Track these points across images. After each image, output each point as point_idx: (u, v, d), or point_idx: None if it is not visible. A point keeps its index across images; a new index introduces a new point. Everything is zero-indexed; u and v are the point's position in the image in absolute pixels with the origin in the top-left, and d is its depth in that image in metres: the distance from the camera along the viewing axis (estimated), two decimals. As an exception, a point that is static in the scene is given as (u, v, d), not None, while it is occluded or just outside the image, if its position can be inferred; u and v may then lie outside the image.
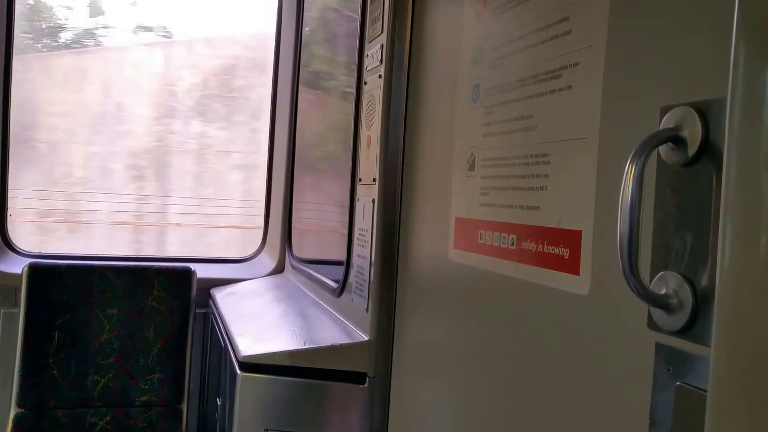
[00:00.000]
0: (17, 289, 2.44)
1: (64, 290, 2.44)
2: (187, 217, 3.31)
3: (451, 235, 1.32)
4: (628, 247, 0.71)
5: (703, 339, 0.69)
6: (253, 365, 1.66)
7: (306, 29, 2.78)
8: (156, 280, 2.52)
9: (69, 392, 2.40)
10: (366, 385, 1.62)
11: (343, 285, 1.86)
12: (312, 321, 1.96)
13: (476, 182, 1.23)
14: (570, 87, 0.96)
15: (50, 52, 2.61)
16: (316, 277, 2.23)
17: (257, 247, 3.00)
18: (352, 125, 1.84)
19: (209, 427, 2.39)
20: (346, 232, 1.84)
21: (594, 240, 0.89)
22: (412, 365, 1.53)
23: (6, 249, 2.64)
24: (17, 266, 2.50)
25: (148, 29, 3.25)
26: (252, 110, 3.33)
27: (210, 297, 2.61)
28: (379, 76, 1.64)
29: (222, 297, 2.50)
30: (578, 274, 0.92)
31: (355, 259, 1.78)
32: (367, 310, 1.64)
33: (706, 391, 0.56)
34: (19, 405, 2.35)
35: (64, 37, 3.12)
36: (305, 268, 2.47)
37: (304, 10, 2.80)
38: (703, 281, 0.69)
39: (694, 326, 0.70)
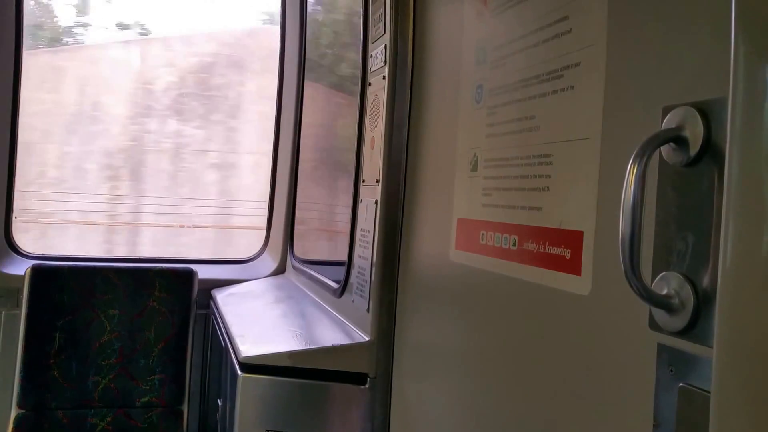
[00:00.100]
0: (19, 291, 2.44)
1: (66, 292, 2.44)
2: (161, 217, 3.30)
3: (453, 235, 1.32)
4: (630, 247, 0.71)
5: (704, 339, 0.69)
6: (253, 366, 1.65)
7: (331, 32, 2.75)
8: (157, 281, 2.52)
9: (70, 393, 2.40)
10: (367, 385, 1.61)
11: (344, 286, 1.85)
12: (313, 322, 1.96)
13: (479, 183, 1.23)
14: (572, 87, 0.96)
15: (27, 51, 2.59)
16: (317, 277, 2.23)
17: (258, 248, 2.99)
18: (356, 126, 1.84)
19: (210, 427, 2.39)
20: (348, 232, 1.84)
21: (595, 240, 0.89)
22: (413, 366, 1.53)
23: (9, 251, 2.64)
24: (20, 268, 2.51)
25: (126, 27, 3.24)
26: (230, 109, 3.32)
27: (211, 298, 2.61)
28: (383, 77, 1.64)
29: (223, 298, 2.50)
30: (580, 275, 0.91)
31: (356, 260, 1.78)
32: (368, 310, 1.64)
33: (709, 392, 0.56)
34: (20, 406, 2.34)
35: (42, 35, 3.11)
36: (306, 269, 2.46)
37: (308, 5, 2.78)
38: (705, 281, 0.69)
39: (696, 327, 0.70)
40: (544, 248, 1.00)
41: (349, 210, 1.85)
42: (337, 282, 1.93)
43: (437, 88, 1.49)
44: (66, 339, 2.42)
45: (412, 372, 1.53)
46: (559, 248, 0.96)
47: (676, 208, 0.74)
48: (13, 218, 2.66)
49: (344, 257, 1.85)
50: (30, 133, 2.97)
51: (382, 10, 1.66)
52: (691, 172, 0.72)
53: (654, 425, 0.75)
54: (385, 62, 1.64)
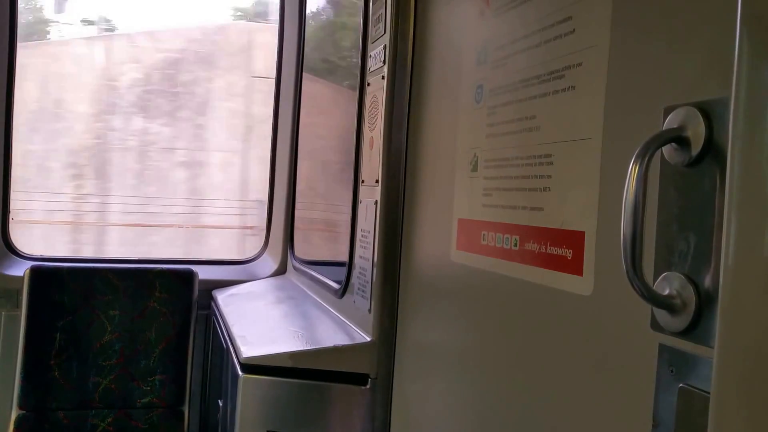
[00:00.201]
0: (19, 292, 2.44)
1: (66, 292, 2.44)
2: (128, 216, 3.26)
3: (454, 236, 1.32)
4: (632, 247, 0.71)
5: (706, 340, 0.69)
6: (254, 367, 1.65)
7: (354, 34, 2.72)
8: (158, 282, 2.52)
9: (70, 394, 2.40)
10: (368, 386, 1.61)
11: (345, 286, 1.85)
12: (314, 322, 1.96)
13: (479, 183, 1.23)
14: (573, 87, 0.96)
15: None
16: (318, 278, 2.23)
17: (258, 249, 2.99)
18: (354, 126, 1.84)
19: (211, 428, 2.39)
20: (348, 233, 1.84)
21: (597, 241, 0.89)
22: (415, 366, 1.53)
23: (8, 252, 2.64)
24: (19, 269, 2.51)
25: (90, 23, 3.20)
26: (197, 106, 3.28)
27: (212, 299, 2.61)
28: (382, 77, 1.64)
29: (224, 298, 2.50)
30: (581, 275, 0.91)
31: (357, 260, 1.78)
32: (369, 311, 1.64)
33: (709, 393, 0.56)
34: (20, 407, 2.35)
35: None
36: (307, 270, 2.46)
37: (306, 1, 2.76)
38: (707, 282, 0.69)
39: (698, 327, 0.70)
40: (546, 248, 1.00)
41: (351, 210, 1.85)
42: (338, 282, 1.93)
43: (437, 88, 1.49)
44: (66, 339, 2.42)
45: (414, 372, 1.53)
46: (561, 248, 0.96)
47: (678, 209, 0.74)
48: (10, 219, 2.66)
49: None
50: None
51: (382, 10, 1.66)
52: (693, 173, 0.72)
53: (653, 425, 0.75)
54: (384, 62, 1.64)
